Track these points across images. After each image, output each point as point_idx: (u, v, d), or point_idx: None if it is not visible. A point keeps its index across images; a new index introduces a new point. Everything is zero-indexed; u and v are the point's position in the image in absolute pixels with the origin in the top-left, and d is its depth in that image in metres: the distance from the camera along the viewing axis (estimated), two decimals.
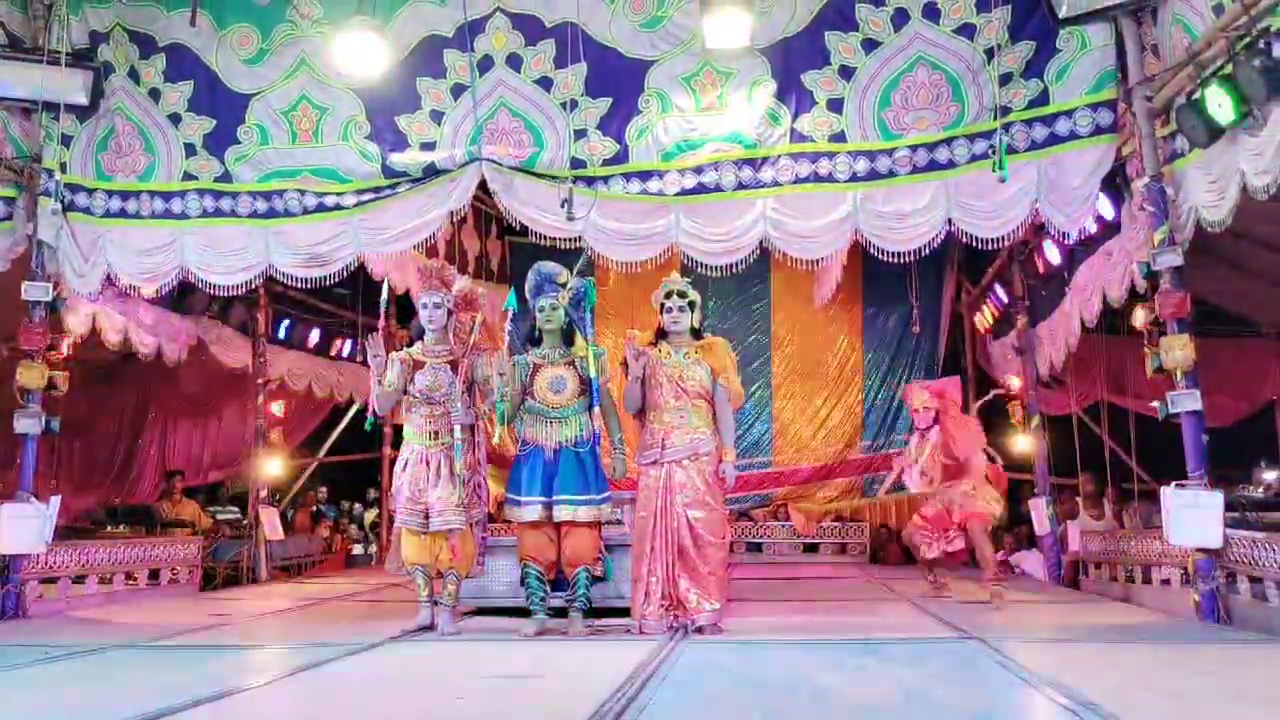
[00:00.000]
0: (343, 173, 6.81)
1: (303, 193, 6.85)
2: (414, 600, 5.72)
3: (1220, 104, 5.09)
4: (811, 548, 11.37)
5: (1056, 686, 3.64)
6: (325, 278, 7.11)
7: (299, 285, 7.40)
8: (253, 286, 7.48)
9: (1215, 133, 5.27)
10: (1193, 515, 5.58)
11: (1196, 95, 5.28)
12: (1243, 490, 8.55)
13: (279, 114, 6.85)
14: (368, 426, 5.88)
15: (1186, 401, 5.67)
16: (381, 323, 5.74)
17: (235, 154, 6.91)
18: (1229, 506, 7.93)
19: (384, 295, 5.82)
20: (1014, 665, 4.15)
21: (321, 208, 6.83)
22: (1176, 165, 5.81)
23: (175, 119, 6.97)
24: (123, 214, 7.03)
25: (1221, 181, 5.39)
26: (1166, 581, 6.28)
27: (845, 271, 10.55)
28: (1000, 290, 9.63)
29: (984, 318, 10.46)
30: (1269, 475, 8.83)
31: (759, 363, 12.02)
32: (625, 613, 5.59)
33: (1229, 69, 5.01)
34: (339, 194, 6.82)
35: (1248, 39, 4.91)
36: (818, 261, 7.19)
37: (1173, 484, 5.73)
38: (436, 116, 6.71)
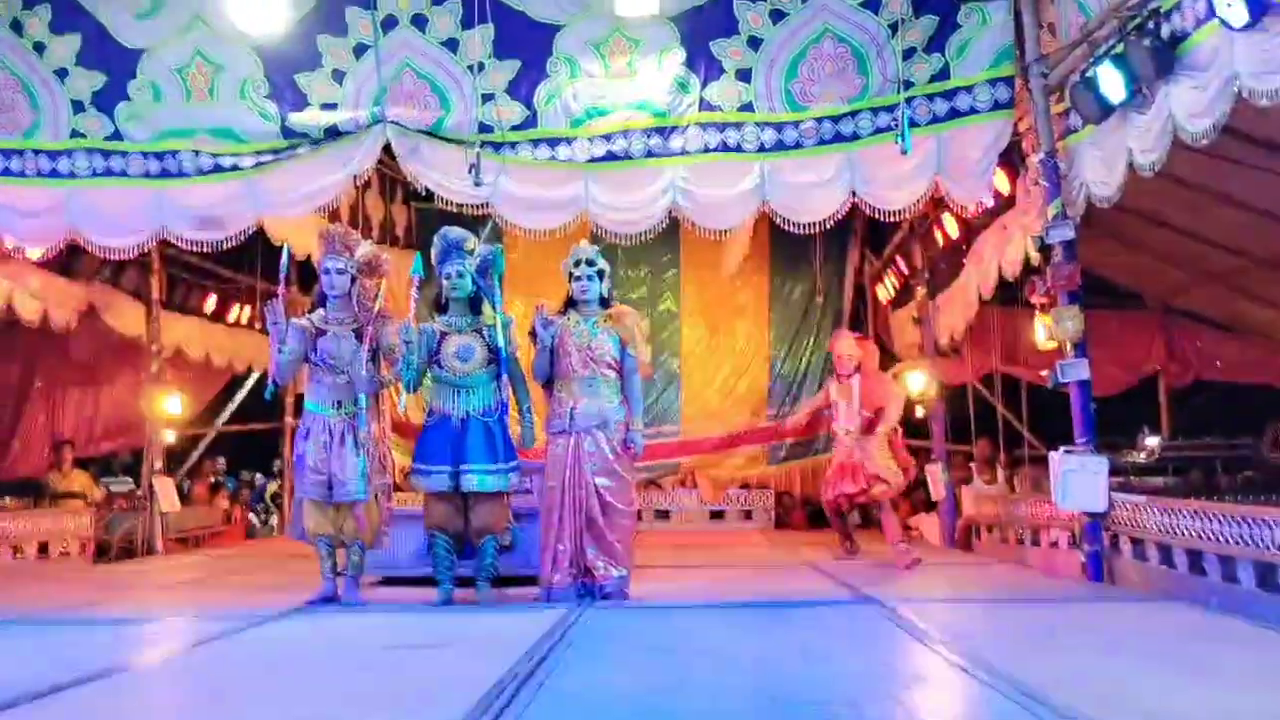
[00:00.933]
0: (240, 133, 6.60)
1: (197, 153, 6.62)
2: (317, 572, 5.63)
3: (1111, 82, 5.27)
4: (718, 515, 11.54)
5: (945, 644, 3.78)
6: (222, 242, 6.90)
7: (194, 249, 7.17)
8: (145, 250, 7.22)
9: (1106, 110, 5.46)
10: (1079, 480, 5.81)
11: (1089, 73, 5.45)
12: (1127, 456, 8.92)
13: (172, 71, 6.59)
14: (267, 395, 5.73)
15: (1075, 371, 5.89)
16: (281, 289, 5.58)
17: (126, 111, 6.64)
18: (1115, 471, 8.32)
19: (284, 260, 5.65)
20: (907, 625, 4.29)
21: (218, 169, 6.61)
22: (1070, 141, 6.01)
23: (62, 74, 6.65)
24: (6, 173, 6.72)
25: (1111, 159, 5.59)
26: (1055, 544, 6.55)
27: (753, 242, 10.70)
28: (901, 262, 9.85)
29: (886, 289, 10.69)
30: (1151, 441, 9.26)
31: (668, 332, 12.07)
32: (534, 581, 5.59)
33: (1120, 48, 5.18)
34: (236, 155, 6.61)
35: (1138, 19, 5.09)
36: (726, 231, 7.23)
37: (1061, 449, 5.97)
38: (338, 76, 6.54)
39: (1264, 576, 4.44)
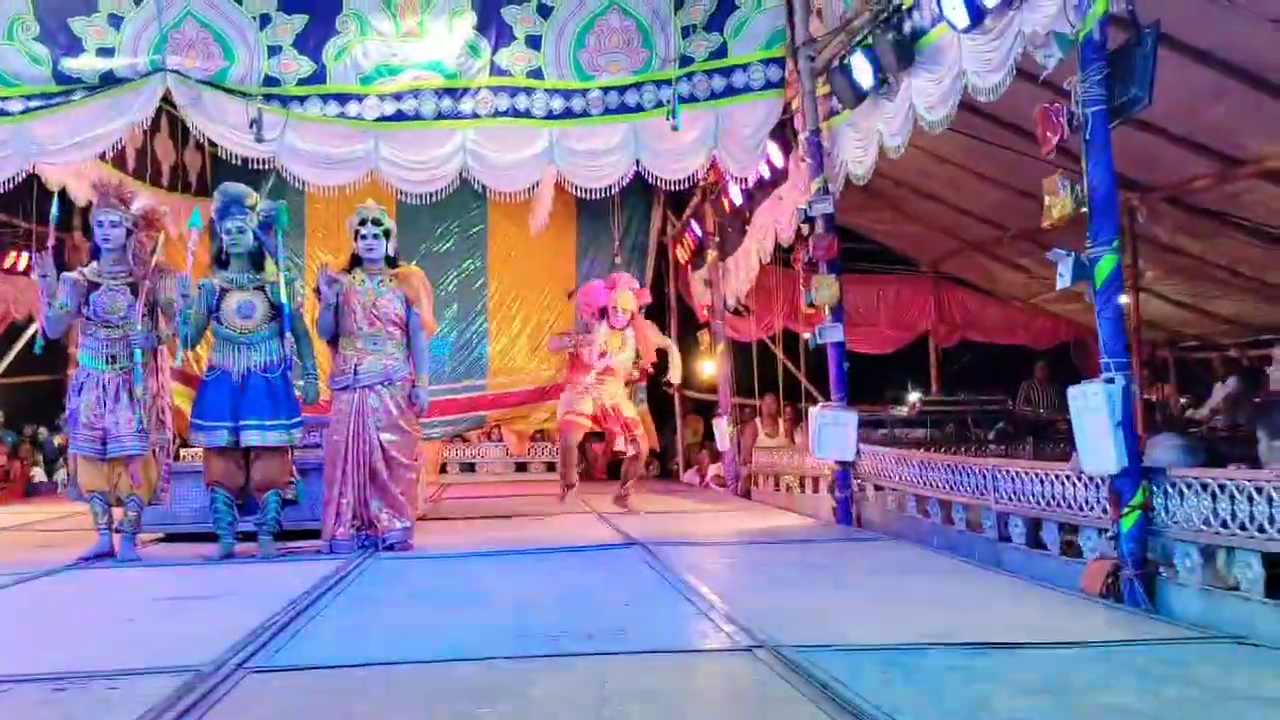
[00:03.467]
0: (8, 75, 6.31)
1: None
2: (95, 529, 5.57)
3: (862, 71, 5.76)
4: (523, 467, 11.82)
5: (685, 581, 4.20)
6: None
7: None
8: None
9: (860, 96, 5.95)
10: (832, 432, 6.38)
11: (845, 61, 5.93)
12: (893, 410, 9.72)
13: None
14: (37, 350, 5.58)
15: (832, 334, 6.43)
16: (51, 240, 5.45)
17: None
18: (881, 424, 9.11)
19: (54, 210, 5.51)
20: (661, 565, 4.69)
21: None
22: (833, 122, 6.50)
23: None
24: None
25: (865, 140, 6.10)
26: (817, 489, 7.16)
27: (559, 201, 10.86)
28: (696, 226, 10.30)
29: (684, 250, 11.14)
30: (912, 397, 10.12)
31: (476, 287, 12.16)
32: (318, 535, 5.72)
33: (870, 40, 5.66)
34: (3, 99, 6.31)
35: (885, 13, 5.57)
36: (527, 191, 7.44)
37: (818, 405, 6.53)
38: (115, 21, 6.34)
39: (971, 518, 5.08)
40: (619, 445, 7.73)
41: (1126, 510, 3.65)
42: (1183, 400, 10.88)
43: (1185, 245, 8.48)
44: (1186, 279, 9.44)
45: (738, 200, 8.68)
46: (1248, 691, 2.56)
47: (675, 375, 8.26)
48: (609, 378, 7.64)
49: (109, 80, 6.34)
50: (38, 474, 11.08)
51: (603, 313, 7.63)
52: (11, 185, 6.62)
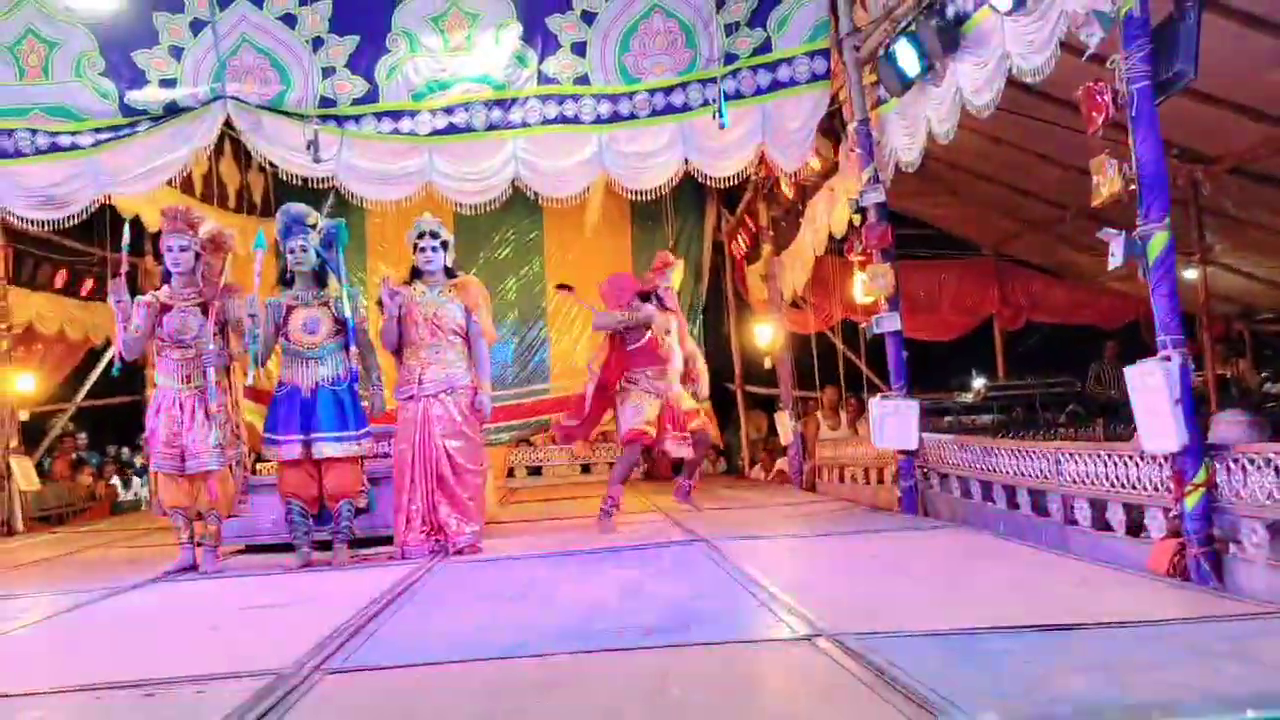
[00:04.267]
0: (77, 111, 6.59)
1: (34, 132, 6.60)
2: (178, 544, 5.79)
3: (908, 58, 5.74)
4: (587, 468, 11.94)
5: (747, 575, 4.24)
6: (69, 217, 6.89)
7: (39, 226, 7.12)
8: None
9: (906, 84, 5.93)
10: (894, 422, 6.36)
11: (891, 49, 5.91)
12: (958, 397, 9.63)
13: (3, 49, 6.54)
14: (114, 372, 5.83)
15: (889, 323, 6.41)
16: (124, 267, 5.66)
17: None
18: (944, 412, 9.04)
19: (125, 239, 5.73)
20: (724, 561, 4.73)
21: (55, 148, 6.60)
22: (881, 111, 6.48)
23: None
24: None
25: (913, 127, 6.08)
26: (882, 480, 7.13)
27: (612, 202, 11.01)
28: (750, 221, 10.31)
29: (739, 246, 11.16)
30: (977, 383, 10.01)
31: (535, 292, 12.33)
32: (390, 541, 5.87)
33: (914, 26, 5.64)
34: (74, 133, 6.60)
35: (928, 0, 5.55)
36: (578, 195, 7.52)
37: (879, 395, 6.51)
38: (176, 52, 6.57)
39: (1036, 502, 5.04)
40: (669, 448, 6.78)
41: (1190, 488, 3.61)
42: (1262, 375, 10.59)
43: (1254, 216, 8.26)
44: (1257, 251, 9.20)
45: (789, 194, 8.68)
46: None
47: (703, 389, 7.21)
48: (669, 368, 6.67)
49: (172, 110, 6.59)
50: (122, 492, 11.50)
51: (645, 296, 6.70)
52: (86, 214, 6.90)
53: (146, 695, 2.90)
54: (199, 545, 5.68)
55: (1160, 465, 3.87)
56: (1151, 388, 3.68)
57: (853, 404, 9.89)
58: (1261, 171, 7.43)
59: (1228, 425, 4.05)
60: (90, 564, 6.62)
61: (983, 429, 8.69)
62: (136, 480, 11.77)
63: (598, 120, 6.72)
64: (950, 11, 5.46)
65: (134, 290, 5.80)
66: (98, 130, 6.59)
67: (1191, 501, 3.60)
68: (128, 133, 6.59)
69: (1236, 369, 10.70)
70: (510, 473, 11.90)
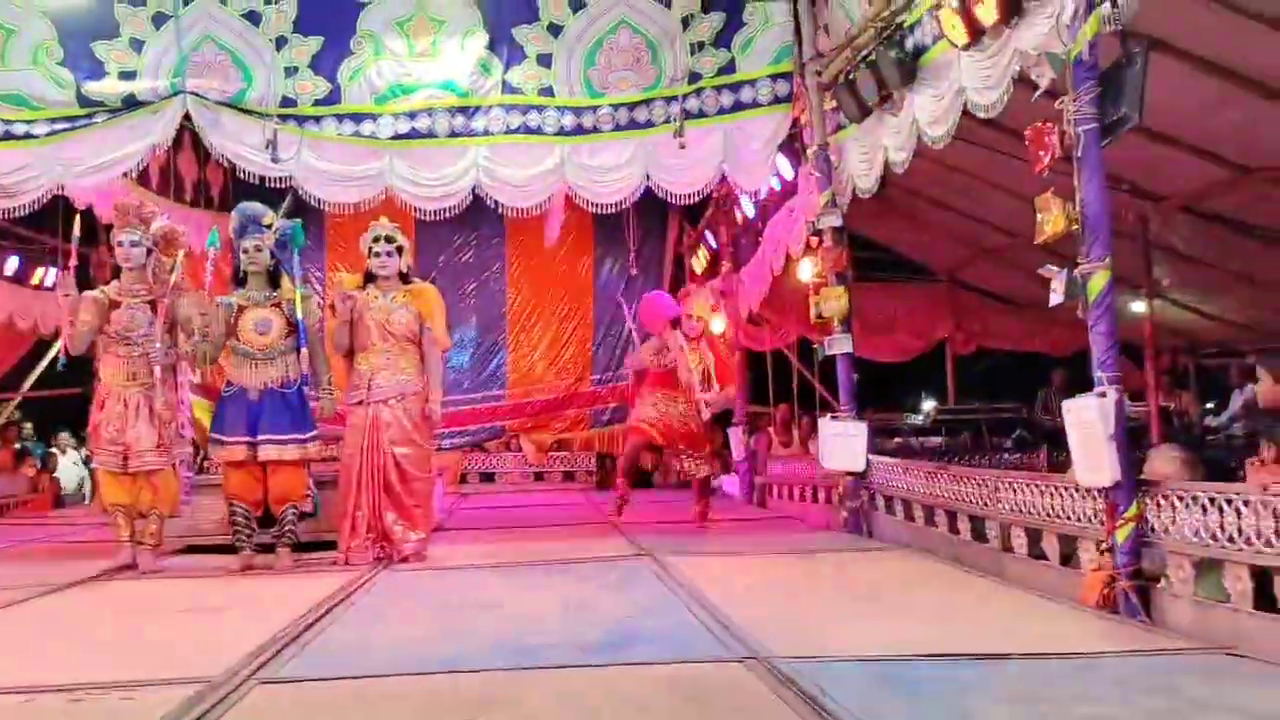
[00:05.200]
0: (33, 100, 6.47)
1: None
2: (118, 541, 5.70)
3: (867, 87, 5.82)
4: (540, 476, 11.93)
5: (691, 591, 4.27)
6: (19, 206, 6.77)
7: None
8: None
9: (865, 111, 6.01)
10: (842, 443, 6.43)
11: (851, 76, 5.99)
12: (908, 419, 9.76)
13: None
14: (60, 366, 5.74)
15: (841, 345, 6.49)
16: (73, 260, 5.58)
17: None
18: (894, 433, 9.15)
19: (75, 231, 5.66)
20: (668, 577, 4.76)
21: (9, 136, 6.47)
22: (840, 136, 6.56)
23: None
24: None
25: (871, 154, 6.16)
26: (830, 500, 7.20)
27: (575, 213, 10.98)
28: (710, 237, 10.38)
29: (699, 261, 11.22)
30: (928, 405, 10.15)
31: (495, 297, 12.30)
32: (334, 546, 5.82)
33: (873, 56, 5.72)
34: (29, 122, 6.48)
35: (888, 31, 5.63)
36: (538, 206, 7.53)
37: (828, 415, 6.58)
38: (137, 45, 6.49)
39: (975, 528, 5.12)
40: (686, 465, 7.31)
41: (1121, 522, 3.69)
42: (1208, 406, 10.83)
43: (1200, 253, 8.46)
44: (1203, 286, 9.42)
45: (750, 212, 8.76)
46: (1227, 702, 2.60)
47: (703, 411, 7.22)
48: (678, 394, 7.10)
49: (130, 103, 6.50)
50: (70, 484, 11.27)
51: (675, 322, 7.13)
52: (39, 205, 6.79)
53: (74, 700, 2.87)
54: (139, 544, 5.60)
55: (1094, 498, 3.96)
56: (1087, 422, 3.76)
57: (805, 422, 9.97)
58: (1209, 210, 7.62)
59: (1164, 461, 4.14)
60: (30, 556, 6.50)
61: (932, 451, 8.82)
62: (69, 462, 11.44)
63: (560, 132, 6.73)
64: (909, 44, 5.55)
65: (86, 280, 5.73)
66: (53, 120, 6.47)
67: (1122, 535, 3.69)
68: (84, 124, 6.49)
69: (1179, 402, 10.92)
70: (463, 478, 11.85)
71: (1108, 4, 3.71)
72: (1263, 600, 3.19)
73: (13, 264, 10.15)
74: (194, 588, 5.17)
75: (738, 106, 6.72)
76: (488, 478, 11.95)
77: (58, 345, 11.02)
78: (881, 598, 4.33)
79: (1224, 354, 11.18)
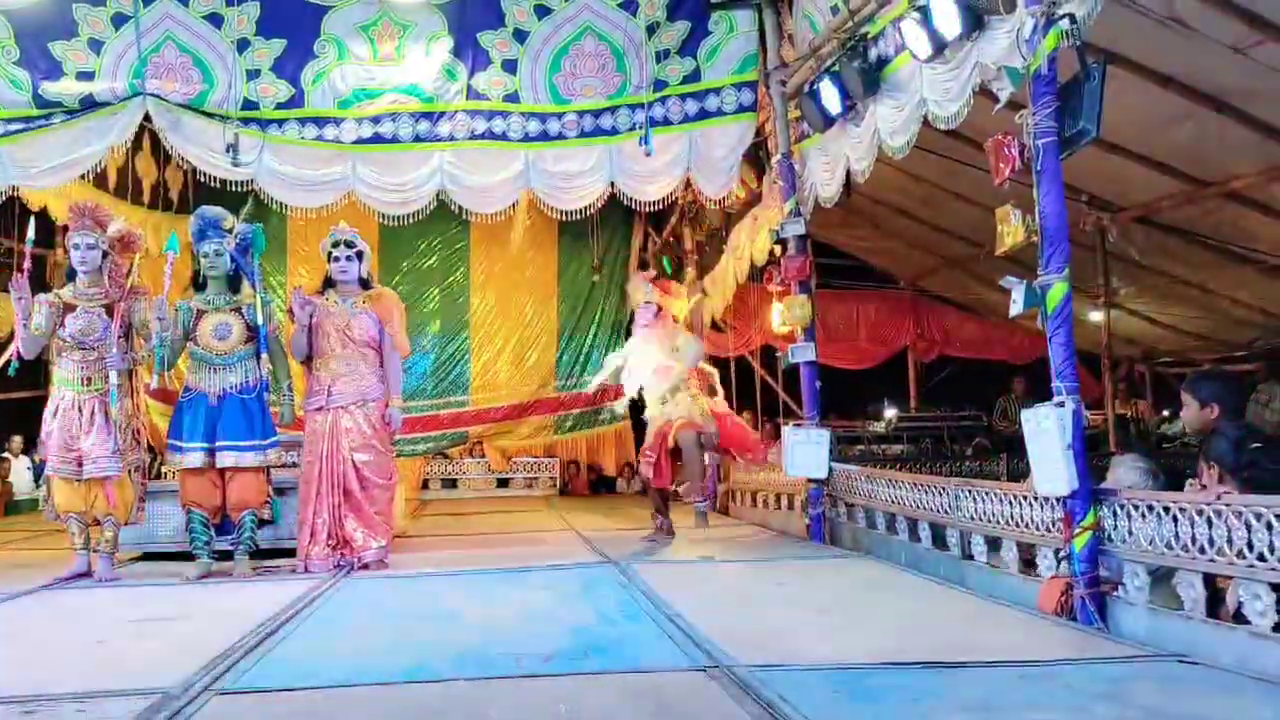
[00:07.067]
0: None
1: None
2: (72, 549, 5.60)
3: (830, 97, 5.87)
4: (504, 483, 11.88)
5: (655, 599, 4.27)
6: None
7: None
8: None
9: (829, 121, 6.06)
10: (804, 450, 6.46)
11: (815, 86, 6.04)
12: (870, 427, 9.83)
13: None
14: (10, 371, 5.63)
15: (803, 353, 6.52)
16: (27, 262, 5.48)
17: None
18: (858, 440, 9.21)
19: (30, 233, 5.56)
20: (632, 585, 4.76)
21: None
22: (803, 145, 6.61)
23: None
24: None
25: (833, 164, 6.21)
26: (793, 507, 7.23)
27: (540, 219, 10.98)
28: (675, 244, 10.40)
29: (666, 267, 11.22)
30: (890, 413, 10.23)
31: (458, 302, 12.23)
32: (294, 553, 5.77)
33: (837, 66, 5.77)
34: None
35: (852, 42, 5.68)
36: (504, 212, 7.49)
37: (791, 423, 6.60)
38: (95, 45, 6.40)
39: (936, 535, 5.17)
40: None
41: (1078, 531, 3.74)
42: (1164, 414, 11.01)
43: (1156, 264, 8.61)
44: (1159, 296, 9.58)
45: (715, 220, 8.79)
46: (1178, 710, 2.64)
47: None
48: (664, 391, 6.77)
49: (88, 104, 6.40)
50: (24, 490, 11.04)
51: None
52: None
53: (27, 712, 2.81)
54: (94, 552, 5.51)
55: (1053, 507, 4.01)
56: (1045, 431, 3.81)
57: (768, 429, 10.01)
58: (1166, 222, 7.75)
59: (1126, 470, 4.20)
60: None
61: (893, 459, 8.88)
62: (22, 467, 11.20)
63: (526, 138, 6.71)
64: (872, 54, 5.60)
65: (41, 282, 5.62)
66: (8, 120, 6.34)
67: (1080, 543, 3.74)
68: (40, 124, 6.37)
69: (1136, 409, 11.11)
70: (425, 485, 11.77)
71: (1066, 20, 3.77)
72: (1215, 608, 3.26)
73: None
74: (150, 596, 5.08)
75: (703, 114, 6.75)
76: (450, 484, 11.87)
77: (10, 349, 10.84)
78: (843, 605, 4.35)
79: (1180, 363, 11.39)
